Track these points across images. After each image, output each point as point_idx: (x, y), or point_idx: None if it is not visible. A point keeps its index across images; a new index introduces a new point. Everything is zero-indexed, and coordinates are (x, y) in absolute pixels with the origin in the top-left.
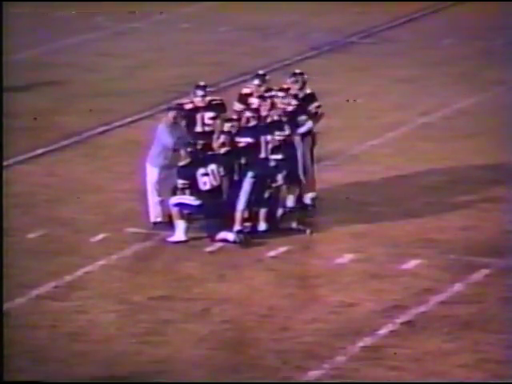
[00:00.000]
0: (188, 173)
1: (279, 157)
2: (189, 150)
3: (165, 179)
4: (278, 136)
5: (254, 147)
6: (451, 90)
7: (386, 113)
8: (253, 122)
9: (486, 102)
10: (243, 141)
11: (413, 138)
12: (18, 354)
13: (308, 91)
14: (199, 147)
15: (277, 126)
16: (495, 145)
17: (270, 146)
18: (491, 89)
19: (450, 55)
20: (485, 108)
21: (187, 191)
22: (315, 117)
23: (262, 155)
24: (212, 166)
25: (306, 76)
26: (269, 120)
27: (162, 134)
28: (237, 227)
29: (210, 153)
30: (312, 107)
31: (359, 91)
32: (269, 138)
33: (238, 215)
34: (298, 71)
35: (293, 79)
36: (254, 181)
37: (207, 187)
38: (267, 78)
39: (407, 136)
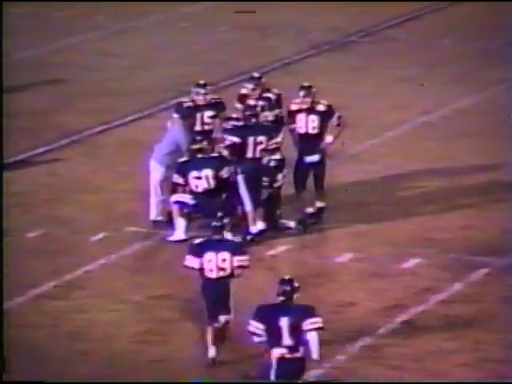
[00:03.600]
0: (183, 171)
1: (278, 157)
2: (189, 150)
3: (168, 178)
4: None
5: (240, 146)
6: (451, 90)
7: (385, 113)
8: (241, 122)
9: (486, 101)
10: (229, 139)
11: (412, 137)
12: (17, 354)
13: (325, 103)
14: (197, 147)
15: (267, 128)
16: (495, 144)
17: (260, 147)
18: (490, 88)
19: (450, 55)
20: (484, 108)
21: (180, 188)
22: (337, 128)
23: (249, 155)
24: (207, 172)
25: (314, 88)
26: (260, 122)
27: (179, 136)
28: (252, 228)
29: (204, 156)
30: (334, 119)
31: (359, 91)
32: (259, 139)
33: (251, 215)
34: (306, 84)
35: (303, 93)
36: (245, 176)
37: (199, 190)
38: (263, 80)
39: (407, 136)
